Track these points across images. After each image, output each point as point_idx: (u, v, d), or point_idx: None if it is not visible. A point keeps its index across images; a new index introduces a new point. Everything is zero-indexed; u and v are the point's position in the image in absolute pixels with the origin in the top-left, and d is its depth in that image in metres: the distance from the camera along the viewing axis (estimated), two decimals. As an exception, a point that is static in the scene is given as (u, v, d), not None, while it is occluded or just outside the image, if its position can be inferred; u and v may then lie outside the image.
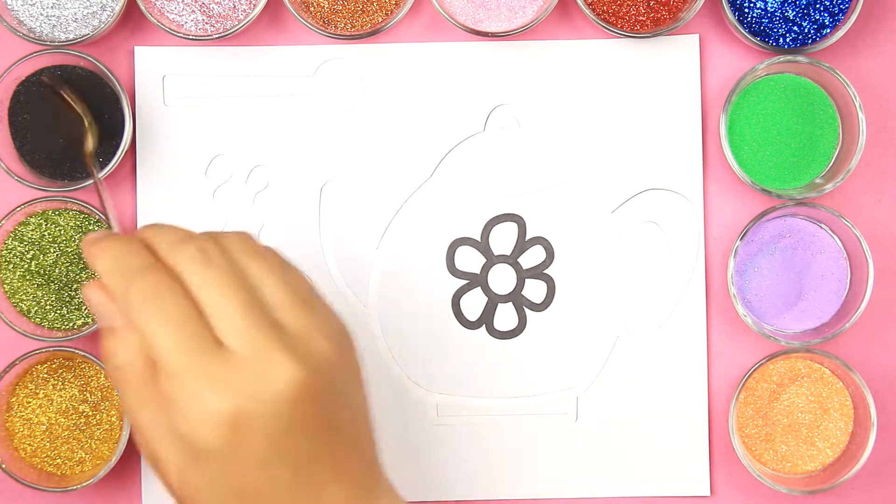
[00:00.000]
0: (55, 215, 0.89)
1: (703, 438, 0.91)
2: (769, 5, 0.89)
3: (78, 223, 0.89)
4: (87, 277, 0.89)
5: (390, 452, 0.91)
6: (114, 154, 0.88)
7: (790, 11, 0.89)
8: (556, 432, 0.91)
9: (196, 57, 0.92)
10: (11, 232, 0.89)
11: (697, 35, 0.91)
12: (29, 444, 0.89)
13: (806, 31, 0.89)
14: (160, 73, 0.91)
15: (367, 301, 0.91)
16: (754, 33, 0.89)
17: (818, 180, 0.90)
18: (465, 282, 0.91)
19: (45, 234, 0.89)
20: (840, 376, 0.89)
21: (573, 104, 0.91)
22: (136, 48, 0.91)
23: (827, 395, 0.89)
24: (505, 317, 0.91)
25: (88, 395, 0.89)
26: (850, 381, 0.89)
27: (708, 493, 0.91)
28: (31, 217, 0.89)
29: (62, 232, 0.89)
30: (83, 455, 0.89)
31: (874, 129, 0.91)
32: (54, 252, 0.89)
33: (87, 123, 0.86)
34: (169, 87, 0.91)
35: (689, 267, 0.91)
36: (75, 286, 0.89)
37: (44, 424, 0.89)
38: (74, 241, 0.89)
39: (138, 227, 0.91)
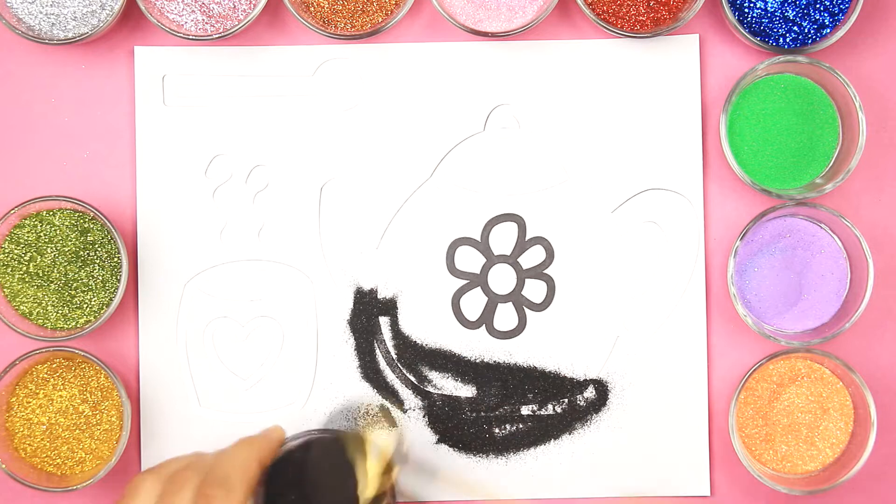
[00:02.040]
0: (49, 215, 0.89)
1: (703, 438, 0.91)
2: (769, 5, 0.89)
3: (73, 221, 0.89)
4: (86, 276, 0.88)
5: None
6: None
7: (790, 11, 0.89)
8: (555, 432, 0.91)
9: (196, 57, 0.91)
10: (7, 235, 0.89)
11: (697, 35, 0.91)
12: (29, 444, 0.89)
13: (806, 31, 0.89)
14: (160, 73, 0.91)
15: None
16: (754, 33, 0.89)
17: (818, 180, 0.90)
18: (465, 282, 0.91)
19: (41, 234, 0.89)
20: (840, 376, 0.89)
21: (573, 104, 0.91)
22: (136, 48, 0.91)
23: (827, 395, 0.90)
24: (505, 317, 0.91)
25: (88, 395, 0.89)
26: (850, 381, 0.89)
27: (708, 493, 0.91)
28: (25, 219, 0.89)
29: (58, 231, 0.89)
30: (83, 455, 0.89)
31: (874, 129, 0.92)
32: (51, 252, 0.89)
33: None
34: (169, 87, 0.91)
35: (689, 267, 0.91)
36: (75, 285, 0.89)
37: (44, 424, 0.89)
38: (71, 240, 0.89)
39: (138, 226, 0.91)
